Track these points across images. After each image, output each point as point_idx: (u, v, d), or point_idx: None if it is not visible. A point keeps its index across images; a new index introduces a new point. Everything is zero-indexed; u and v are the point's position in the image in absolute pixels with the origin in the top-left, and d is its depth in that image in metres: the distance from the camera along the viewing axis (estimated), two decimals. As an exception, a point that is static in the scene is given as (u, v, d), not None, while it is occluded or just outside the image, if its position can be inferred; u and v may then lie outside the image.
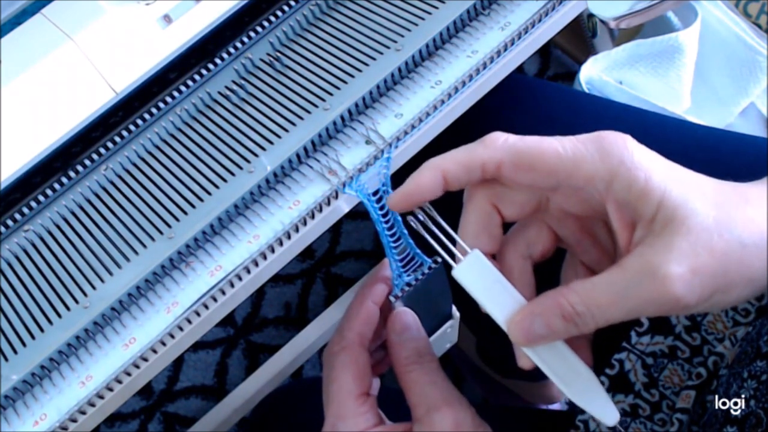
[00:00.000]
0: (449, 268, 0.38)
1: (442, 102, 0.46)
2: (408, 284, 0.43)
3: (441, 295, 0.45)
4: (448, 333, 0.47)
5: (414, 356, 0.40)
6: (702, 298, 0.32)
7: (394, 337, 0.41)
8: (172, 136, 0.48)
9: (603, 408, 0.36)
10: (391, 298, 0.42)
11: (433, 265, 0.43)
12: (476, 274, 0.37)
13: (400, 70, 0.47)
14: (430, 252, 0.41)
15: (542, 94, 0.63)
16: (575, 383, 0.36)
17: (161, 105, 0.48)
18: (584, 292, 0.33)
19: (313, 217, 0.44)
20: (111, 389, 0.42)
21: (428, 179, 0.36)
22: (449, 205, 0.39)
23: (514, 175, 0.35)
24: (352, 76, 0.47)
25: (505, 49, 0.48)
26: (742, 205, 0.33)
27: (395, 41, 0.48)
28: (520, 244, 0.38)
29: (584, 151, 0.34)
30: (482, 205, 0.37)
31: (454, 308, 0.47)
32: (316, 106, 0.46)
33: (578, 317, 0.33)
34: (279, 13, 0.50)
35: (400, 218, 0.42)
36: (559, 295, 0.34)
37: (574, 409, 1.02)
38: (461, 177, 0.36)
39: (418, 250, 0.43)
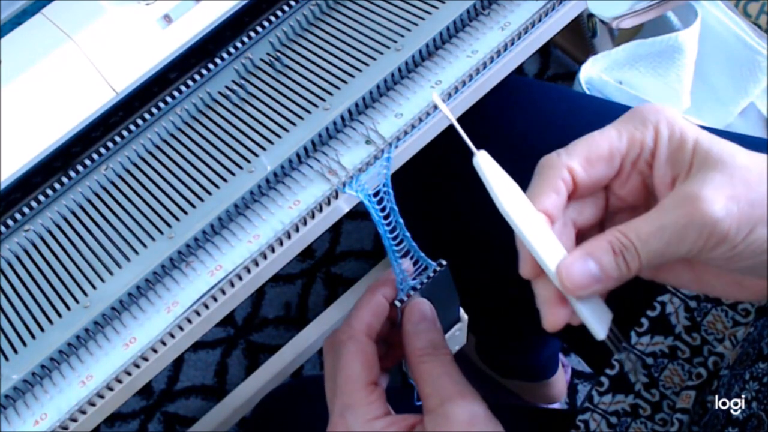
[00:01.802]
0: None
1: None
2: (413, 288, 0.42)
3: (448, 298, 0.45)
4: (457, 335, 0.47)
5: (429, 347, 0.40)
6: (742, 226, 0.33)
7: (409, 327, 0.41)
8: (172, 136, 0.48)
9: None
10: (397, 303, 0.42)
11: (438, 268, 0.43)
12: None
13: (400, 70, 0.47)
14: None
15: (542, 94, 0.63)
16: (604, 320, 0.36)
17: (161, 105, 0.48)
18: (624, 228, 0.35)
19: (313, 217, 0.44)
20: (111, 389, 0.42)
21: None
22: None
23: (587, 176, 0.36)
24: (352, 76, 0.47)
25: (505, 49, 0.48)
26: None
27: (395, 41, 0.48)
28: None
29: (630, 126, 0.37)
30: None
31: (462, 311, 0.46)
32: (316, 106, 0.47)
33: (626, 250, 0.34)
34: (279, 13, 0.50)
35: (402, 220, 0.42)
36: (605, 234, 0.35)
37: (574, 409, 1.02)
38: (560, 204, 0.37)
39: (422, 254, 0.43)
